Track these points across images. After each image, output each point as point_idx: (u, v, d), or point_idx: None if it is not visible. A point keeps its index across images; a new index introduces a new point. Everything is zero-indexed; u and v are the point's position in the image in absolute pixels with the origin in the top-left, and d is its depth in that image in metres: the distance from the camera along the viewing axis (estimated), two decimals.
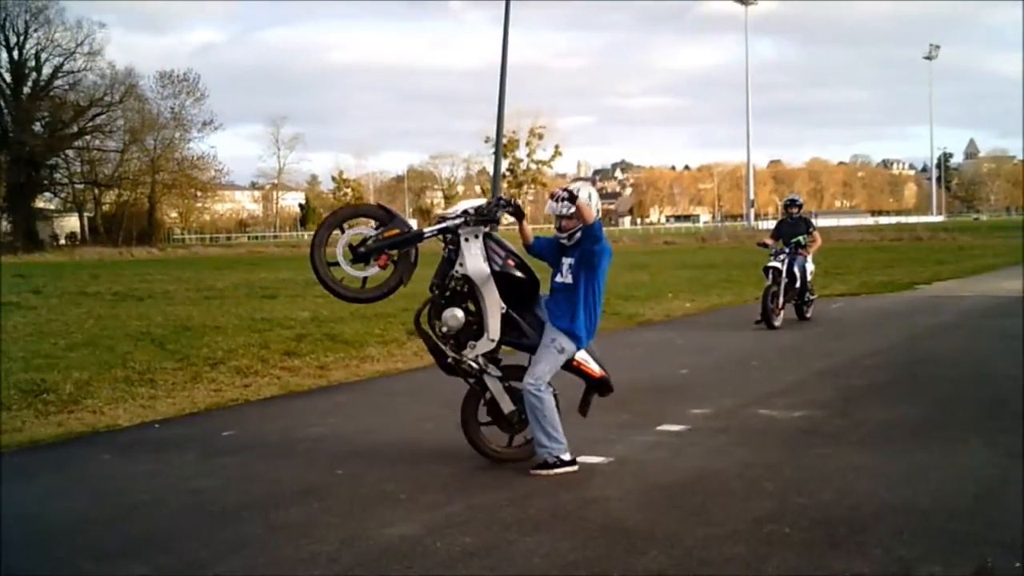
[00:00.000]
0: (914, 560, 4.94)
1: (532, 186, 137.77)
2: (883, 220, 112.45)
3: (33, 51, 69.87)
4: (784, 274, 15.51)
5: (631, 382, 10.46)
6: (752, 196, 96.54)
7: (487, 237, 6.92)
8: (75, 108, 70.84)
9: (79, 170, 74.31)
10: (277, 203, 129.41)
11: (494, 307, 6.88)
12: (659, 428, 8.19)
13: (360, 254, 6.88)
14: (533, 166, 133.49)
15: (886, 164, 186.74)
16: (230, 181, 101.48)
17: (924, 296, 20.68)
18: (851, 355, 12.14)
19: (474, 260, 6.82)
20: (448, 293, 6.98)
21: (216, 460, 7.59)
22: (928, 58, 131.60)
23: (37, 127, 70.33)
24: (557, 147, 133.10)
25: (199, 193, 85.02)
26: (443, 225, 6.92)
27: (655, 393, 9.85)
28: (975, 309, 17.49)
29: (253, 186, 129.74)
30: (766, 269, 15.68)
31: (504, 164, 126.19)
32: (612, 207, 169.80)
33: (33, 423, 8.89)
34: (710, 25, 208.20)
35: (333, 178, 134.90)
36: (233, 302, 20.78)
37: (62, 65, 70.91)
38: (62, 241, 71.75)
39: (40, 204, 74.60)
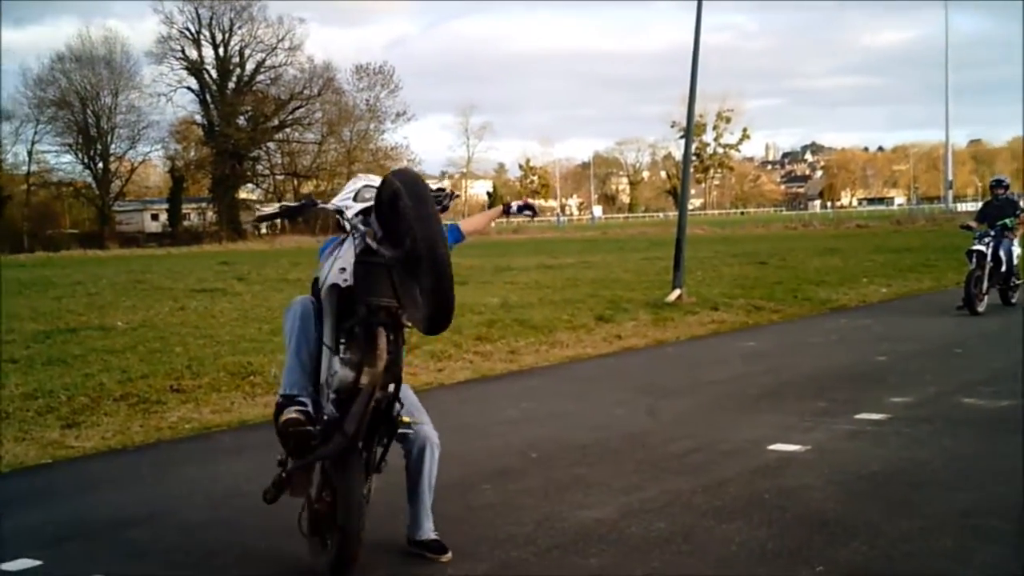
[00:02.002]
0: None
1: (719, 170, 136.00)
2: None
3: (237, 48, 73.33)
4: (989, 258, 14.87)
5: (826, 370, 10.27)
6: (951, 177, 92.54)
7: None
8: (276, 102, 73.81)
9: (279, 161, 77.45)
10: (466, 191, 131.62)
11: None
12: (857, 416, 7.97)
13: None
14: (720, 150, 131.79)
15: None
16: (421, 170, 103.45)
17: None
18: None
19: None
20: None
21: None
22: None
23: (241, 121, 73.66)
24: (745, 130, 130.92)
25: None
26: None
27: (852, 380, 9.60)
28: None
29: (443, 175, 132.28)
30: (969, 252, 15.05)
31: (692, 148, 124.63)
32: (801, 190, 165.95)
33: (242, 404, 9.32)
34: (907, 0, 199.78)
35: (520, 166, 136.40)
36: None
37: (264, 60, 74.15)
38: (263, 230, 74.85)
39: (243, 195, 77.98)
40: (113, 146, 74.52)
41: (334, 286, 4.47)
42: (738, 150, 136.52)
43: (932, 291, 18.75)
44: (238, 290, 21.51)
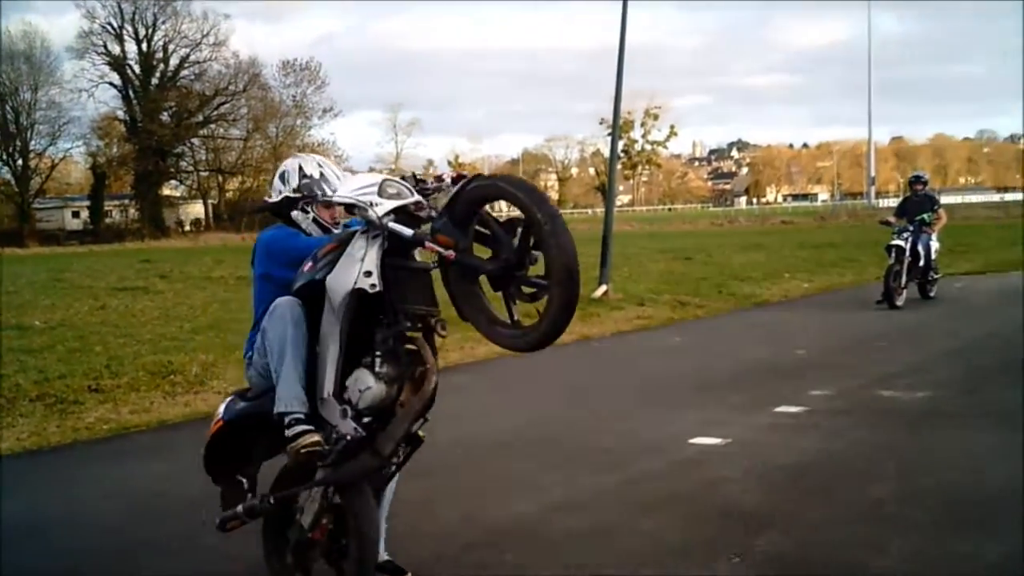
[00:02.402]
0: None
1: (647, 167, 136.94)
2: (1009, 197, 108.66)
3: (161, 43, 72.05)
4: (908, 252, 15.13)
5: (747, 364, 10.38)
6: (873, 174, 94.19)
7: None
8: (201, 98, 72.73)
9: (204, 158, 76.28)
10: None
11: None
12: (777, 409, 8.06)
13: None
14: (648, 147, 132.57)
15: (1013, 139, 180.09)
16: (349, 167, 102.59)
17: None
18: (976, 335, 11.78)
19: None
20: None
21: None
22: None
23: (165, 117, 72.43)
24: (672, 127, 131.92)
25: None
26: None
27: (773, 374, 9.71)
28: None
29: (371, 171, 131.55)
30: (889, 247, 15.30)
31: (620, 145, 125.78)
32: (728, 187, 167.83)
33: (161, 404, 9.17)
34: (831, 1, 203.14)
35: (449, 162, 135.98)
36: None
37: (188, 56, 72.93)
38: (187, 227, 73.79)
39: (166, 191, 76.85)
40: (33, 142, 72.80)
41: (355, 291, 3.99)
42: (666, 147, 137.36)
43: (853, 286, 19.05)
44: (160, 288, 21.16)
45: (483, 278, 4.01)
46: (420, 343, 4.10)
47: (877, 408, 8.07)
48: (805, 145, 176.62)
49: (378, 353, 4.08)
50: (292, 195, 4.55)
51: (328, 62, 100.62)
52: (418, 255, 4.10)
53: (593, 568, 4.73)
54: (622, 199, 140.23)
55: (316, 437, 4.02)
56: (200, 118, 73.59)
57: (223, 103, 73.68)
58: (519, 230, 3.84)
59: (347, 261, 4.04)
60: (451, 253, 3.86)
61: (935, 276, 16.03)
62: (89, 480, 6.85)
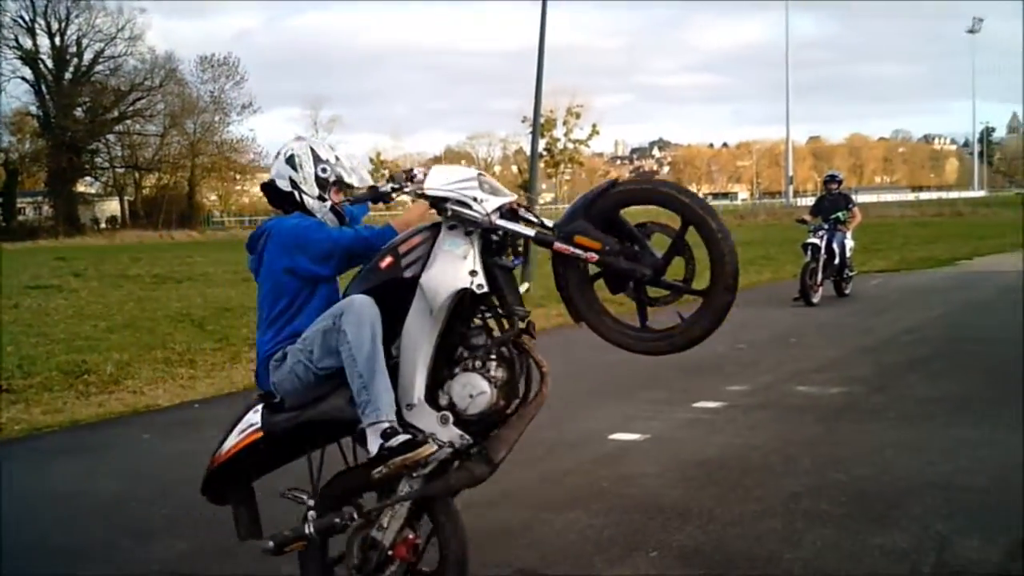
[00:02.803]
0: (952, 535, 4.90)
1: (569, 165, 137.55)
2: (924, 195, 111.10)
3: (75, 37, 70.47)
4: (823, 250, 15.38)
5: (668, 360, 10.39)
6: (791, 173, 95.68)
7: None
8: (116, 93, 71.40)
9: (120, 154, 74.91)
10: None
11: None
12: (696, 405, 8.16)
13: None
14: (570, 145, 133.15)
15: (927, 139, 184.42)
16: (269, 164, 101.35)
17: (964, 272, 20.43)
18: (890, 331, 12.03)
19: None
20: None
21: None
22: (971, 31, 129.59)
23: (79, 112, 70.96)
24: (595, 126, 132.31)
25: (238, 176, 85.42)
26: None
27: (692, 371, 9.79)
28: (1016, 284, 17.25)
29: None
30: (805, 246, 15.55)
31: (542, 144, 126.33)
32: None
33: (75, 404, 8.99)
34: (750, 2, 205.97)
35: (371, 159, 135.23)
36: None
37: (103, 51, 71.43)
38: (103, 225, 72.39)
39: (81, 188, 75.33)
40: None
41: (460, 292, 3.81)
42: (588, 145, 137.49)
43: (771, 283, 19.30)
44: (74, 286, 20.78)
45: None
46: (531, 346, 3.99)
47: (793, 404, 8.20)
48: (725, 144, 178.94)
49: (492, 356, 3.92)
50: (378, 186, 4.16)
51: (247, 58, 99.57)
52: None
53: (512, 563, 4.73)
54: (546, 197, 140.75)
55: (434, 448, 3.74)
56: (115, 114, 72.24)
57: (139, 99, 72.43)
58: (658, 235, 3.90)
59: (446, 259, 3.83)
60: (592, 256, 3.79)
61: (850, 274, 16.33)
62: (2, 482, 6.68)
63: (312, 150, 4.26)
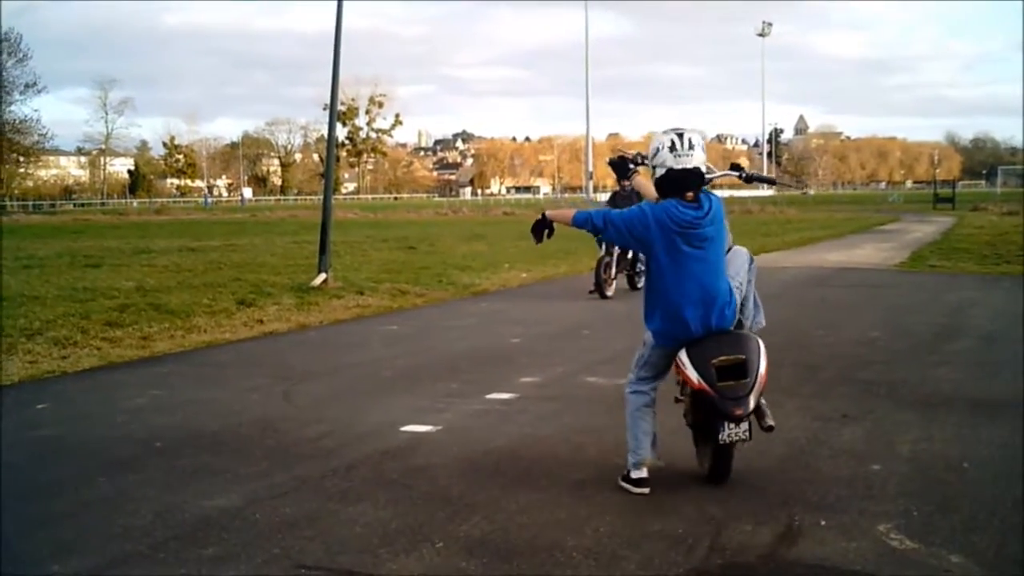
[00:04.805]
0: (726, 519, 5.09)
1: (372, 155, 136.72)
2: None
3: None
4: (617, 245, 15.76)
5: (462, 352, 10.54)
6: (591, 168, 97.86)
7: None
8: None
9: None
10: (105, 169, 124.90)
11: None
12: (488, 396, 8.22)
13: None
14: (373, 135, 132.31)
15: (720, 139, 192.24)
16: (55, 146, 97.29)
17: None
18: None
19: None
20: None
21: (28, 434, 7.26)
22: (761, 35, 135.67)
23: None
24: (398, 116, 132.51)
25: (21, 158, 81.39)
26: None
27: (486, 362, 9.89)
28: (797, 280, 18.16)
29: (79, 151, 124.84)
30: (599, 240, 15.90)
31: (343, 132, 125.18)
32: (453, 177, 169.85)
33: None
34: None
35: (164, 144, 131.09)
36: (54, 271, 20.04)
37: None
38: None
39: None
40: None
41: None
42: (391, 135, 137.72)
43: (568, 276, 19.69)
44: None
45: None
46: None
47: (582, 394, 8.36)
48: (528, 139, 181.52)
49: None
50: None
51: (30, 34, 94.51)
52: None
53: (294, 556, 4.65)
54: (348, 187, 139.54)
55: None
56: None
57: None
58: None
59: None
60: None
61: (642, 268, 16.78)
62: None
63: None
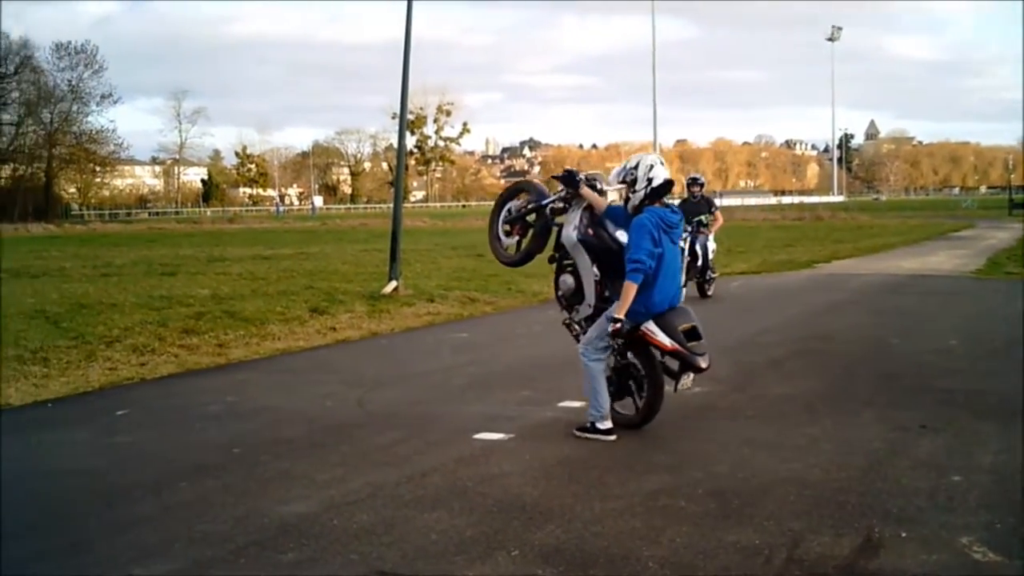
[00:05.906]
0: (804, 531, 5.04)
1: (440, 163, 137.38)
2: (785, 200, 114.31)
3: None
4: (686, 253, 15.67)
5: (533, 360, 10.55)
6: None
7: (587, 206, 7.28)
8: None
9: None
10: (179, 178, 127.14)
11: (587, 274, 7.28)
12: (560, 404, 8.22)
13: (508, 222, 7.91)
14: (441, 143, 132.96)
15: (789, 144, 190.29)
16: (130, 156, 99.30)
17: (823, 274, 21.09)
18: (750, 332, 12.34)
19: (567, 228, 7.37)
20: (562, 260, 7.60)
21: (109, 439, 7.43)
22: (831, 39, 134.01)
23: None
24: (465, 124, 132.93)
25: (98, 168, 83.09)
26: (559, 195, 7.49)
27: (558, 370, 9.87)
28: (871, 287, 17.92)
29: (154, 161, 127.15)
30: None
31: (412, 141, 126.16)
32: None
33: None
34: (616, 5, 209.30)
35: (236, 153, 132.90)
36: (131, 279, 20.43)
37: None
38: None
39: None
40: None
41: None
42: (459, 144, 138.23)
43: None
44: None
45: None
46: None
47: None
48: (595, 146, 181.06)
49: None
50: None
51: (106, 46, 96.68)
52: None
53: (373, 563, 4.70)
54: (416, 195, 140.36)
55: None
56: None
57: None
58: None
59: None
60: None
61: (712, 276, 16.70)
62: None
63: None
